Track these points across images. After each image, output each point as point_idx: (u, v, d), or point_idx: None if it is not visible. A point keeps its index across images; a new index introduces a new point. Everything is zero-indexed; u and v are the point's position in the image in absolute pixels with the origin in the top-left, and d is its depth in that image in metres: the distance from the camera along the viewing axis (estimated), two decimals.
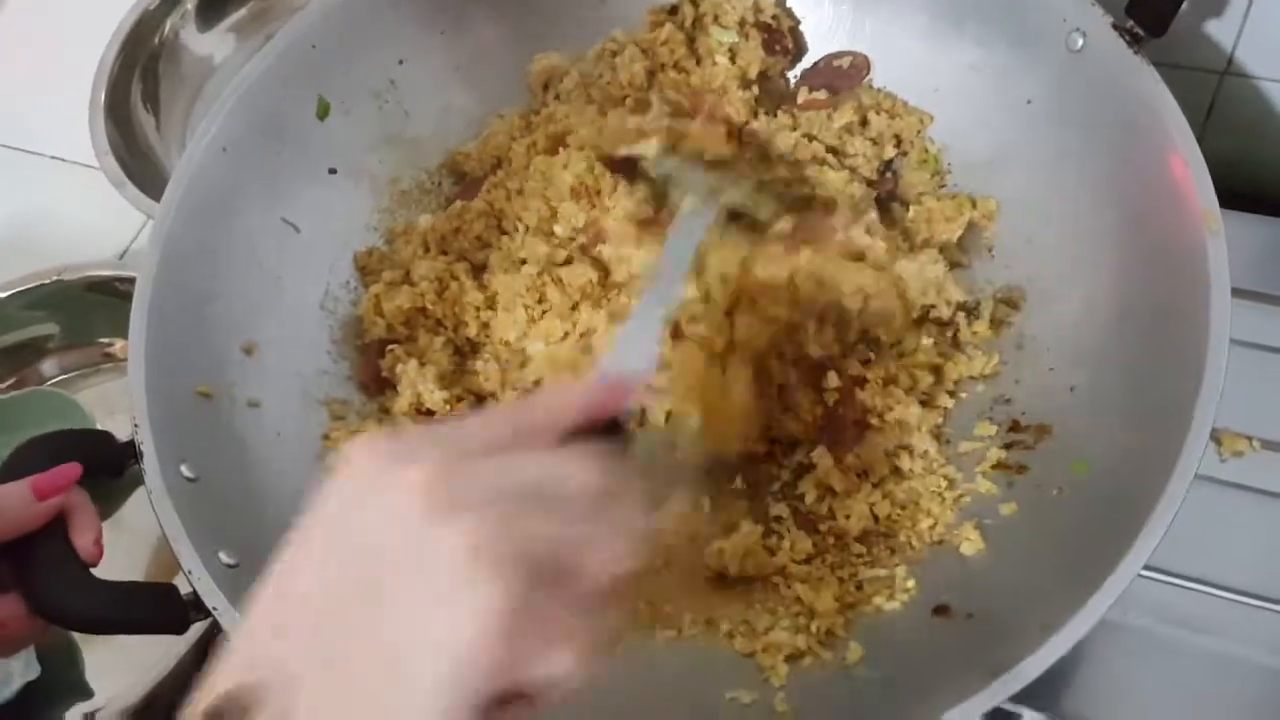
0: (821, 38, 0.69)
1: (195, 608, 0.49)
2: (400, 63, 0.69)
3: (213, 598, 0.49)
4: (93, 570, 0.49)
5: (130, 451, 0.53)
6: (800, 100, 0.68)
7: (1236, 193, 0.56)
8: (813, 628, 0.53)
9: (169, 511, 0.51)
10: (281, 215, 0.65)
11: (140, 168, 0.79)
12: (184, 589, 0.50)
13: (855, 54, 0.68)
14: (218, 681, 0.31)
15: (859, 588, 0.55)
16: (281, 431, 0.60)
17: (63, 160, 0.88)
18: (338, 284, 0.66)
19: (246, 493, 0.56)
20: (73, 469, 0.50)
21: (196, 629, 0.59)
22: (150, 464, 0.52)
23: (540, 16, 0.70)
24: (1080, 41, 0.59)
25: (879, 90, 0.67)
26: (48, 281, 0.74)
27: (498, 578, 0.29)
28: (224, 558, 0.51)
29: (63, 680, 0.59)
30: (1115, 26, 0.57)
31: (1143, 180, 0.56)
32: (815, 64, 0.69)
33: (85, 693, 0.61)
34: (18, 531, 0.48)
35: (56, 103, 0.82)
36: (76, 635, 0.60)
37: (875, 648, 0.51)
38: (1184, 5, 0.56)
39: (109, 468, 0.53)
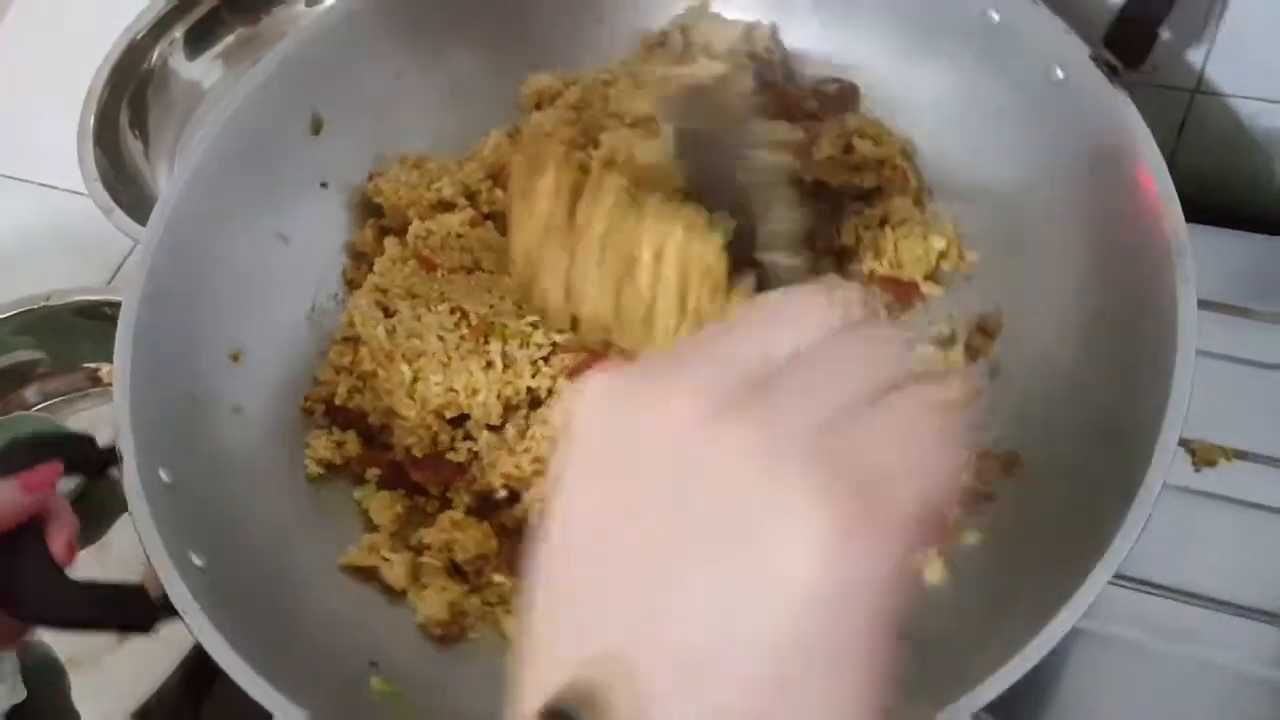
0: (807, 65, 0.70)
1: (164, 608, 0.50)
2: (396, 78, 0.70)
3: (181, 600, 0.50)
4: None
5: (111, 455, 0.54)
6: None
7: (1208, 208, 0.57)
8: None
9: (144, 514, 0.52)
10: (273, 227, 0.66)
11: (128, 194, 0.79)
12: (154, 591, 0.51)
13: (843, 82, 0.69)
14: (542, 674, 0.26)
15: None
16: (263, 438, 0.61)
17: (51, 187, 0.89)
18: (325, 296, 0.67)
19: (224, 498, 0.57)
20: (55, 466, 0.51)
21: (180, 651, 0.61)
22: (129, 467, 0.53)
23: (536, 36, 0.71)
24: (1060, 73, 0.59)
25: (864, 115, 0.68)
26: (35, 306, 0.74)
27: (824, 487, 0.24)
28: (195, 560, 0.52)
29: (49, 703, 0.59)
30: (1093, 58, 0.58)
31: (1115, 209, 0.56)
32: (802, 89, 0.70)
33: (71, 716, 0.62)
34: (5, 525, 0.49)
35: (45, 130, 0.83)
36: (62, 658, 0.60)
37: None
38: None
39: (89, 469, 0.54)
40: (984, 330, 0.61)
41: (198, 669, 0.61)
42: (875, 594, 0.24)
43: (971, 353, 0.61)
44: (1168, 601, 0.57)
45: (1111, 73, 0.57)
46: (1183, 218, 0.52)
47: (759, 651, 0.24)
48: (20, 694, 0.55)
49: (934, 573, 0.54)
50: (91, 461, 0.55)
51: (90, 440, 0.55)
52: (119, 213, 0.77)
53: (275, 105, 0.66)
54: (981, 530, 0.55)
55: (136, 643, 0.65)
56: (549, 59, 0.71)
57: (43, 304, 0.74)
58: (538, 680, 0.26)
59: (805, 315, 0.28)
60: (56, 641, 0.58)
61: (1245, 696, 0.56)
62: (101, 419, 0.76)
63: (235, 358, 0.62)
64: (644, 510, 0.26)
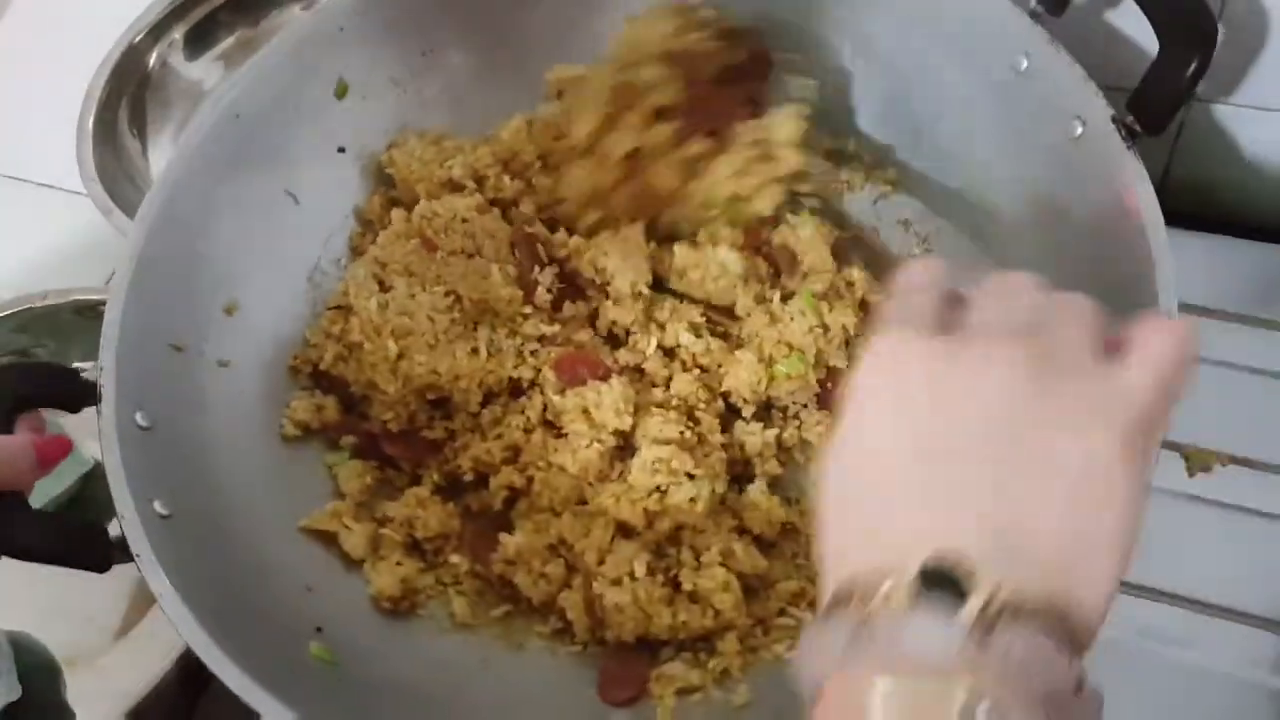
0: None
1: (121, 550, 0.51)
2: (424, 54, 0.71)
3: (138, 544, 0.50)
4: None
5: (91, 391, 0.55)
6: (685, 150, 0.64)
7: (1203, 215, 0.56)
8: (710, 665, 0.54)
9: (114, 454, 0.53)
10: (285, 186, 0.67)
11: (127, 194, 0.80)
12: (114, 532, 0.52)
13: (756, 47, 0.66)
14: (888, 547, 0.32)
15: (766, 632, 0.55)
16: (245, 393, 0.62)
17: (51, 187, 0.90)
18: (329, 260, 0.68)
19: (197, 449, 0.58)
20: (66, 443, 0.53)
21: (176, 651, 0.62)
22: (107, 407, 0.54)
23: (564, 29, 0.71)
24: (1079, 129, 0.58)
25: None
26: (33, 305, 0.74)
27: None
28: (158, 508, 0.53)
29: (44, 702, 0.58)
30: (1114, 119, 0.57)
31: (1114, 279, 0.55)
32: None
33: (66, 715, 0.61)
34: (18, 485, 0.51)
35: (45, 131, 0.84)
36: (58, 658, 0.60)
37: (763, 694, 0.52)
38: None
39: (67, 403, 0.56)
40: None
41: (193, 669, 0.61)
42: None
43: None
44: (1163, 607, 0.57)
45: (1130, 137, 0.57)
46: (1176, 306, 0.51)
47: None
48: (15, 693, 0.55)
49: None
50: (73, 396, 0.56)
51: (74, 374, 0.57)
52: (117, 213, 0.77)
53: (304, 64, 0.66)
54: None
55: (132, 642, 0.68)
56: (579, 51, 0.71)
57: (40, 303, 0.74)
58: (873, 556, 0.32)
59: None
60: (52, 640, 0.59)
61: (1241, 702, 0.57)
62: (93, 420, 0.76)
63: (229, 310, 0.63)
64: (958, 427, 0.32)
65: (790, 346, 0.61)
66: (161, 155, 0.86)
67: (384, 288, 0.64)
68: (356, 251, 0.68)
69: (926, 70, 0.66)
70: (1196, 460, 0.57)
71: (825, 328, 0.62)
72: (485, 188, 0.68)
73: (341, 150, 0.69)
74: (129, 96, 0.86)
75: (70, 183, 0.82)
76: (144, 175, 0.85)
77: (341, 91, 0.69)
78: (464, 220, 0.66)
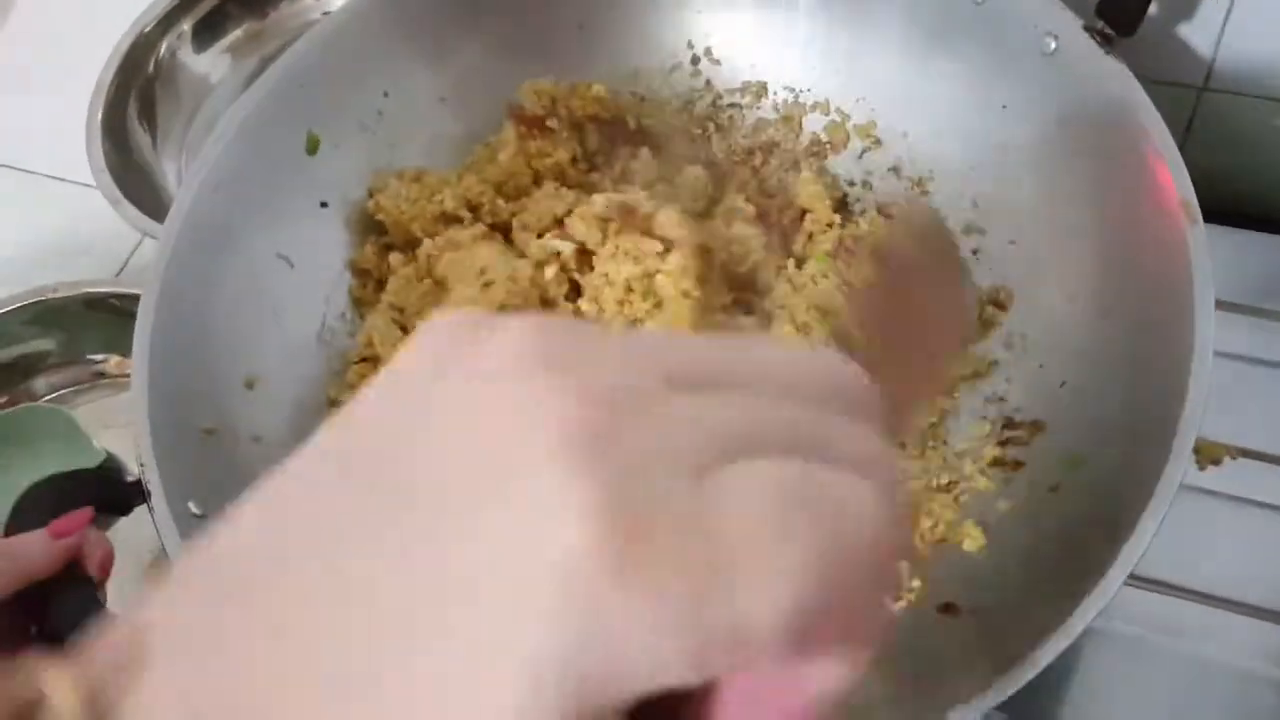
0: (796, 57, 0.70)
1: None
2: (385, 95, 0.70)
3: None
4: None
5: (138, 490, 0.54)
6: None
7: (1215, 207, 0.57)
8: None
9: (178, 548, 0.52)
10: (276, 250, 0.65)
11: (136, 186, 0.80)
12: None
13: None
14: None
15: None
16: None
17: (60, 179, 0.90)
18: (334, 316, 0.67)
19: None
20: (85, 513, 0.50)
21: None
22: (159, 503, 0.53)
23: (527, 43, 0.71)
24: (1053, 45, 0.60)
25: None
26: (46, 298, 0.75)
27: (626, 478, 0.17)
28: None
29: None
30: (1086, 28, 0.58)
31: (1120, 177, 0.57)
32: None
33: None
34: (39, 575, 0.49)
35: (54, 122, 0.83)
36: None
37: (881, 647, 0.52)
38: (1158, 15, 0.57)
39: (117, 506, 0.54)
40: (995, 303, 0.62)
41: None
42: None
43: (985, 325, 0.62)
44: (1173, 600, 0.57)
45: (1106, 43, 0.58)
46: (1193, 190, 0.52)
47: None
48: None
49: (973, 542, 0.54)
50: (118, 497, 0.54)
51: (117, 475, 0.55)
52: (127, 205, 0.77)
53: (270, 128, 0.65)
54: (1013, 498, 0.56)
55: None
56: (541, 66, 0.71)
57: (50, 295, 0.75)
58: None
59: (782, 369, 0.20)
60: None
61: (1250, 695, 0.57)
62: (108, 410, 0.76)
63: (250, 385, 0.62)
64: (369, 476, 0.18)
65: (821, 310, 0.61)
66: (170, 147, 0.86)
67: (406, 332, 0.63)
68: (361, 303, 0.67)
69: (886, 24, 0.67)
70: (1207, 453, 0.58)
71: (849, 284, 0.62)
72: (481, 214, 0.67)
73: (324, 205, 0.68)
74: (138, 89, 0.85)
75: (79, 174, 0.82)
76: (153, 167, 0.84)
77: (313, 147, 0.67)
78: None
